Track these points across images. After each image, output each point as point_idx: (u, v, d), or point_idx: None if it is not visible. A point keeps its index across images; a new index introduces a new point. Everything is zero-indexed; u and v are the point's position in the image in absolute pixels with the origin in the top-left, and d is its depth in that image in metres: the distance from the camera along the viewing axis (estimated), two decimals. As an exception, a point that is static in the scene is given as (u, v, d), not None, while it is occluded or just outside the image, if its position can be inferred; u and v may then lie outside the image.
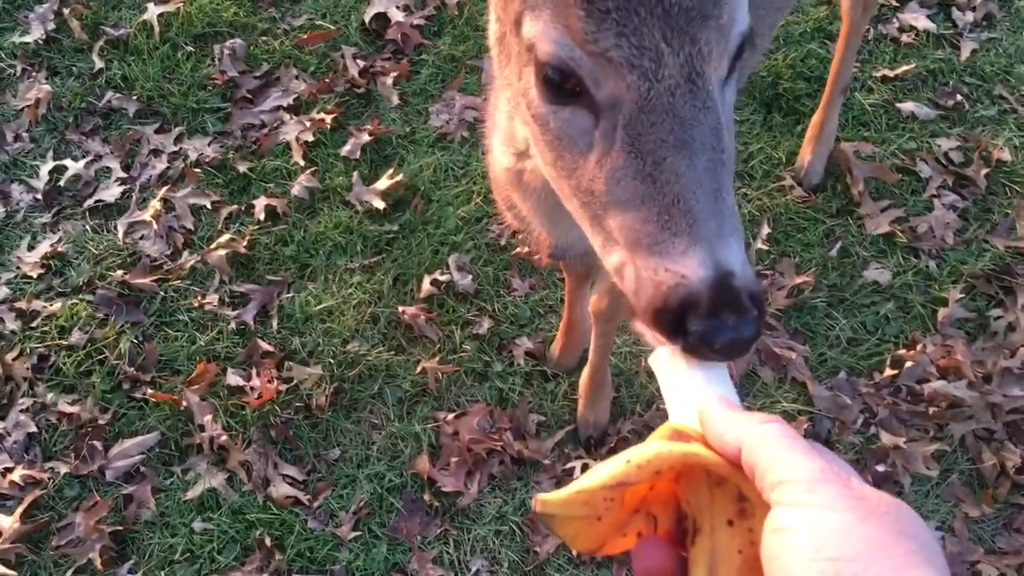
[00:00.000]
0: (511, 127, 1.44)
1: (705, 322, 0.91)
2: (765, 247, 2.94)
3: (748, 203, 3.02)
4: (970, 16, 3.40)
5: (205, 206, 3.08)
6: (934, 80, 3.28)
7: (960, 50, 3.33)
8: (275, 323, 2.88)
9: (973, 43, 3.33)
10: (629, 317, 1.06)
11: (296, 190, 3.09)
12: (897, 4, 3.42)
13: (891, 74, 3.26)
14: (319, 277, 2.95)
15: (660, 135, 0.97)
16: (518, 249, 2.94)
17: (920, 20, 3.37)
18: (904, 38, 3.36)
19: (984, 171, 3.06)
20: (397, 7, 3.44)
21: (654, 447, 0.80)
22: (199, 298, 2.92)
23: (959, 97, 3.23)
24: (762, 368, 2.77)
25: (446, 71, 3.33)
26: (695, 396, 0.88)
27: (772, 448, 0.74)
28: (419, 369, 2.77)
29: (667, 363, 0.96)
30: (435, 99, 3.26)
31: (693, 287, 0.93)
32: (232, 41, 3.39)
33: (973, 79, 3.28)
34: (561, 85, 1.03)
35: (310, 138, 3.18)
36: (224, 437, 2.68)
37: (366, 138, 3.17)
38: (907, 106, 3.19)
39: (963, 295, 2.87)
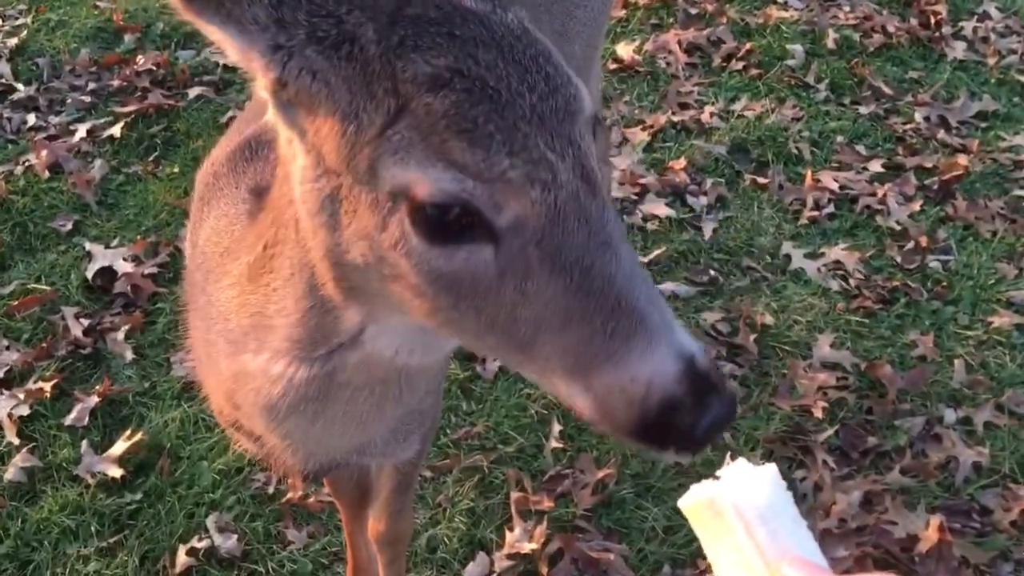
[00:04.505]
0: (321, 318, 1.15)
1: (693, 414, 0.91)
2: (560, 445, 2.73)
3: (533, 403, 2.83)
4: (704, 200, 3.56)
5: None
6: (685, 260, 3.35)
7: (703, 231, 3.44)
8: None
9: (713, 223, 3.46)
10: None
11: (10, 474, 2.59)
12: (636, 197, 3.53)
13: (644, 259, 3.29)
14: (45, 574, 2.41)
15: (579, 242, 0.91)
16: (290, 495, 2.56)
17: (660, 208, 3.48)
18: (650, 226, 3.43)
19: (752, 337, 3.07)
20: (124, 259, 3.14)
21: None
22: None
23: (712, 272, 3.30)
24: (582, 577, 2.47)
25: (187, 317, 3.02)
26: (757, 556, 0.73)
27: None
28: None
29: (707, 509, 0.78)
30: (177, 347, 2.92)
31: (668, 388, 0.91)
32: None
33: (720, 255, 3.38)
34: (447, 223, 0.92)
35: (26, 412, 2.72)
36: None
37: (95, 401, 2.75)
38: (667, 286, 3.20)
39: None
